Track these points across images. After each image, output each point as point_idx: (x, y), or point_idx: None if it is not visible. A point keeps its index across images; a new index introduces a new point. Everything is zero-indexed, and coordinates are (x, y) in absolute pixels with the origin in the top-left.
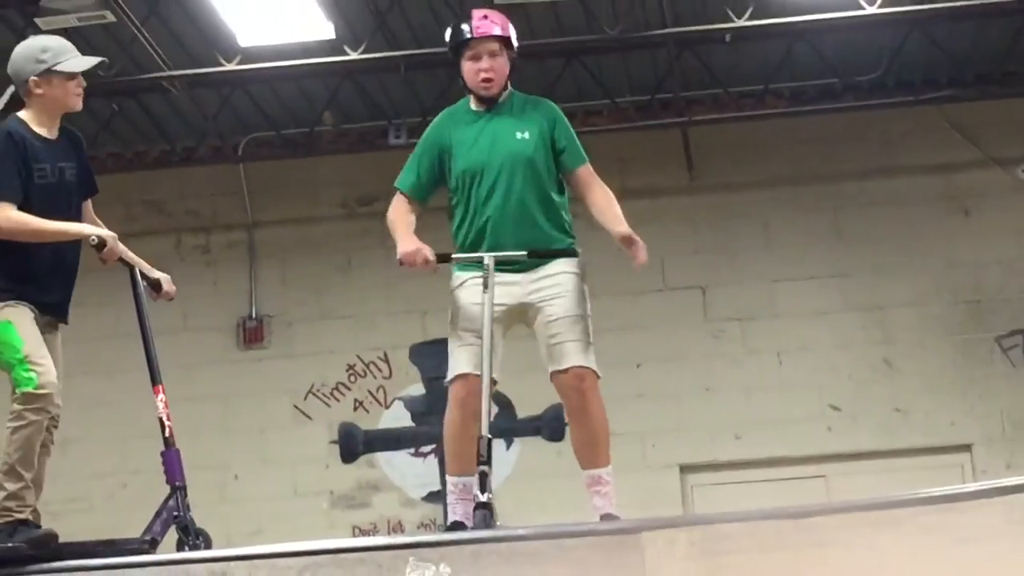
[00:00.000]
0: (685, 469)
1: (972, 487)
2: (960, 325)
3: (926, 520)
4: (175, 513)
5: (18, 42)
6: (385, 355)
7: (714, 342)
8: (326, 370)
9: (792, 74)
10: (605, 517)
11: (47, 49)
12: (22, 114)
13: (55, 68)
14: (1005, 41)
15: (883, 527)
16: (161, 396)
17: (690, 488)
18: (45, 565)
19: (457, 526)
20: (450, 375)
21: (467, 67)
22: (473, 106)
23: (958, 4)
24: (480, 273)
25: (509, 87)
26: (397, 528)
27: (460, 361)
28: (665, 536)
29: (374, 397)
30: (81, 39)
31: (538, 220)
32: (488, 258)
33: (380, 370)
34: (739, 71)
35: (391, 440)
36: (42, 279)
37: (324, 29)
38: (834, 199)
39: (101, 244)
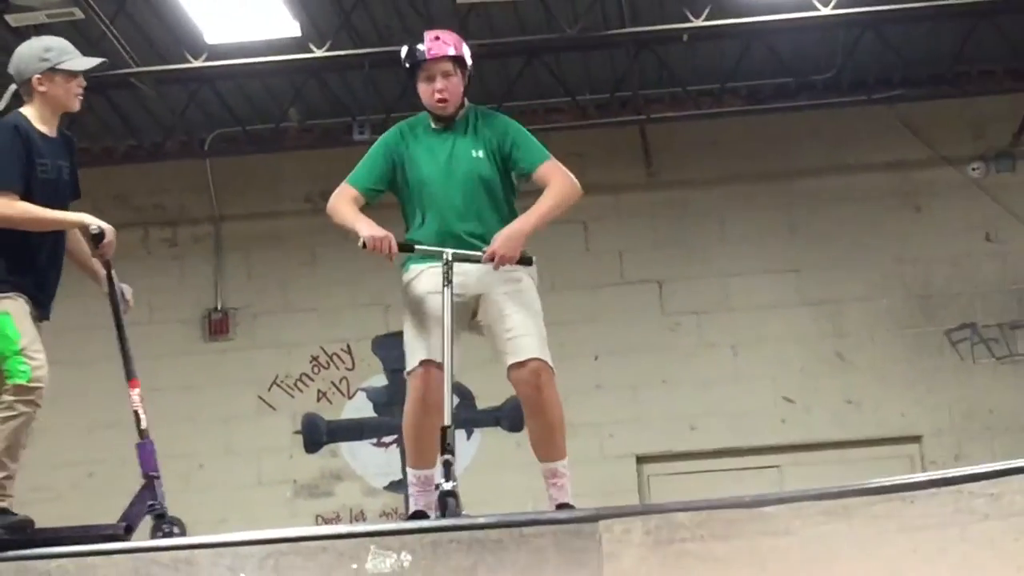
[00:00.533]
0: (642, 459)
1: (922, 477)
2: (910, 319)
3: (877, 509)
4: (150, 502)
5: None
6: (348, 347)
7: (671, 335)
8: (290, 361)
9: (748, 73)
10: (561, 507)
11: (50, 48)
12: (24, 111)
13: (58, 67)
14: (956, 42)
15: (835, 516)
16: (137, 391)
17: (647, 478)
18: (21, 552)
19: (419, 515)
20: (409, 366)
21: (422, 87)
22: (432, 124)
23: (911, 6)
24: (436, 263)
25: (466, 103)
26: (359, 517)
27: (417, 350)
28: (622, 524)
29: (337, 388)
30: (50, 36)
31: (491, 230)
32: (448, 253)
33: (343, 361)
34: (696, 70)
35: (354, 430)
36: (39, 273)
37: (290, 27)
38: (788, 196)
39: (102, 234)
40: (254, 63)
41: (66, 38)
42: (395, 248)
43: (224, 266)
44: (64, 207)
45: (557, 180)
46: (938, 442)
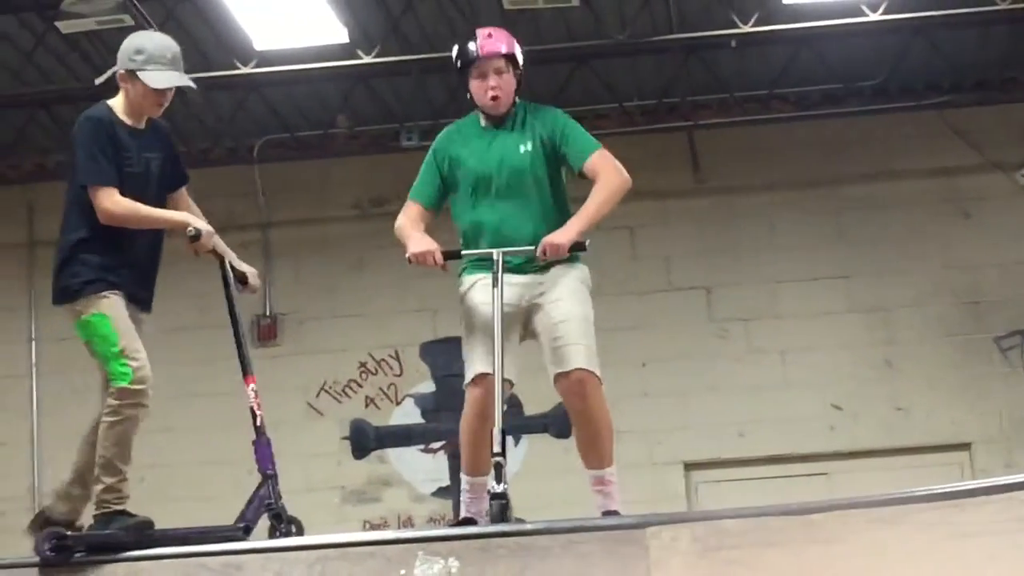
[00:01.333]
0: (690, 466)
1: (971, 484)
2: (960, 326)
3: (926, 517)
4: (267, 501)
5: (37, 46)
6: (396, 353)
7: (719, 342)
8: (338, 367)
9: (796, 79)
10: (608, 514)
11: (142, 51)
12: (112, 101)
13: (139, 73)
14: (1005, 47)
15: (884, 524)
16: (253, 386)
17: (694, 485)
18: (141, 552)
19: (467, 522)
20: (468, 377)
21: (474, 85)
22: (482, 122)
23: (959, 11)
24: (488, 274)
25: (516, 101)
26: (407, 523)
27: (475, 362)
28: (669, 532)
29: (385, 394)
30: (100, 43)
31: (541, 228)
32: (497, 253)
33: (391, 367)
34: (744, 76)
35: (401, 436)
36: (137, 268)
37: (338, 33)
38: (837, 202)
39: (197, 235)
40: (302, 69)
41: (116, 45)
42: (440, 258)
43: (272, 272)
44: (156, 200)
45: (605, 174)
46: (988, 450)
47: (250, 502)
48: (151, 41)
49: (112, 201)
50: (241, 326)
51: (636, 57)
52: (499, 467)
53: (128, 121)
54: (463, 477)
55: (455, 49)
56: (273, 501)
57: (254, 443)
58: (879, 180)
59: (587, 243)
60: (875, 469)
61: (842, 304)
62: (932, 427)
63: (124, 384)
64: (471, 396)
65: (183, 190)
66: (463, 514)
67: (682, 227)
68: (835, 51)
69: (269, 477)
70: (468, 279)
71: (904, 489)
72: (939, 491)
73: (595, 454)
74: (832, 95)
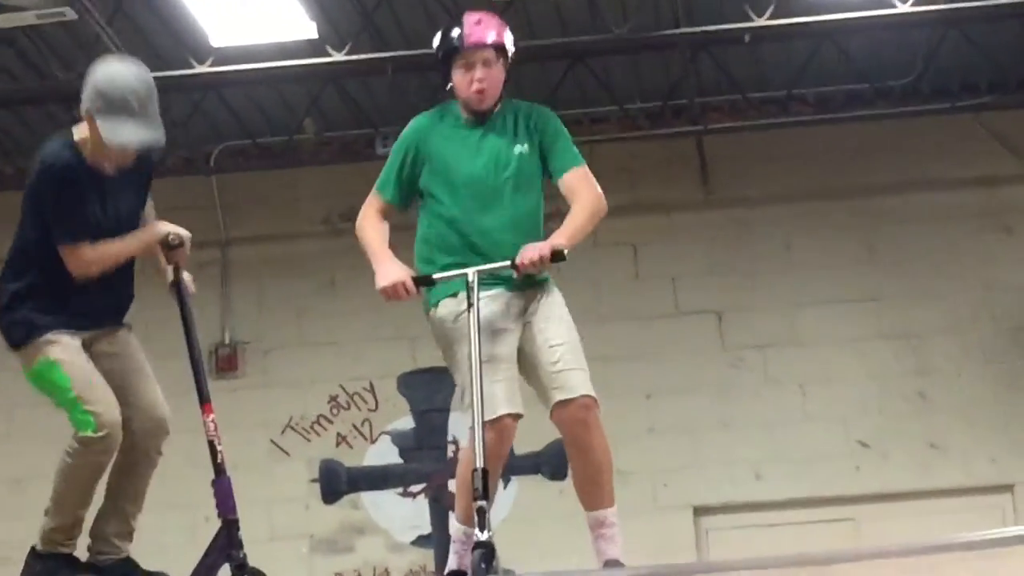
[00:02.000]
0: (699, 511)
1: (1014, 531)
2: (1002, 353)
3: (966, 567)
4: (228, 551)
5: None
6: (371, 385)
7: (731, 372)
8: (306, 401)
9: (818, 78)
10: (610, 563)
11: (100, 97)
12: (78, 135)
13: (96, 120)
14: None
15: (918, 575)
16: (211, 417)
17: (705, 532)
18: None
19: (456, 575)
20: (483, 416)
21: (458, 76)
22: (463, 117)
23: (999, 2)
24: (485, 290)
25: (502, 96)
26: (384, 575)
27: (496, 399)
28: None
29: (359, 431)
30: (40, 39)
31: (531, 237)
32: (472, 273)
33: (365, 401)
34: (760, 75)
35: (377, 478)
36: (84, 297)
37: (305, 28)
38: (863, 215)
39: (180, 243)
40: (265, 68)
41: (58, 41)
42: (412, 289)
43: (232, 295)
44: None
45: (586, 194)
46: None
47: (208, 552)
48: (112, 84)
49: (85, 260)
50: (198, 345)
51: (638, 54)
52: (482, 512)
53: (96, 161)
54: (456, 526)
55: (438, 35)
56: (234, 551)
57: (213, 483)
58: (910, 191)
59: (565, 252)
60: (906, 514)
61: (870, 330)
62: (970, 467)
63: (88, 433)
64: (494, 436)
65: (149, 198)
66: (452, 567)
67: (690, 244)
68: (860, 47)
69: (230, 523)
70: (450, 305)
71: (939, 537)
72: (978, 539)
73: (598, 492)
74: (857, 96)
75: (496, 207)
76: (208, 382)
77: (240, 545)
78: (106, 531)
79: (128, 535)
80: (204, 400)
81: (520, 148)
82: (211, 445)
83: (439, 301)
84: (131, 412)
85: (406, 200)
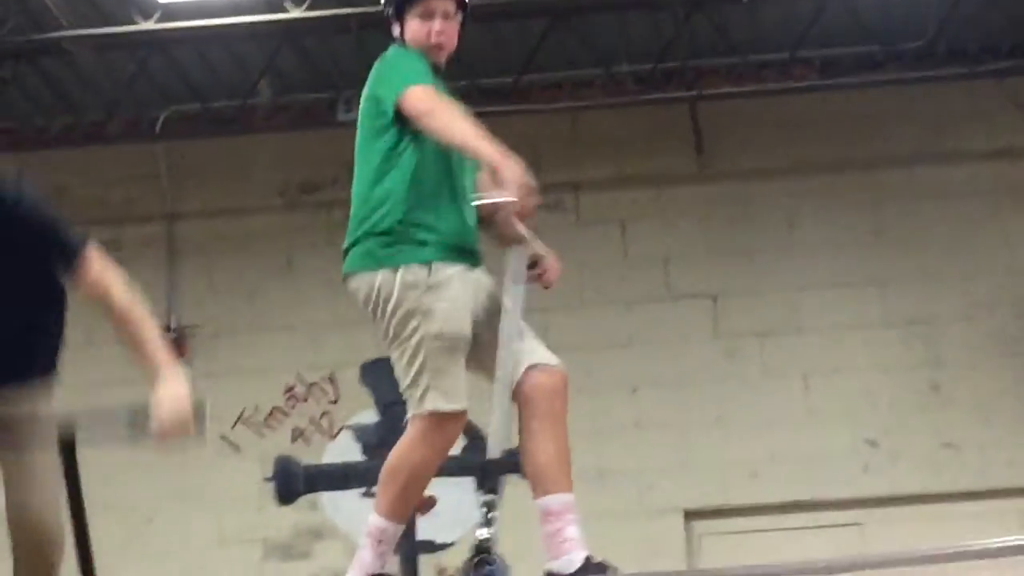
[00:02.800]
0: (691, 515)
1: None
2: (1021, 343)
3: None
4: None
5: None
6: (331, 375)
7: (727, 362)
8: (260, 392)
9: (822, 40)
10: (592, 566)
11: None
12: None
13: None
14: None
15: None
16: None
17: (697, 537)
18: None
19: None
20: (446, 405)
21: (415, 25)
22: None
23: None
24: (467, 264)
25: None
26: None
27: (460, 391)
28: None
29: (317, 426)
30: None
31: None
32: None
33: (325, 393)
34: (760, 36)
35: (337, 477)
36: None
37: None
38: (872, 191)
39: None
40: (217, 25)
41: None
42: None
43: (179, 274)
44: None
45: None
46: None
47: None
48: None
49: None
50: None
51: (627, 12)
52: (491, 506)
53: None
54: (381, 521)
55: None
56: None
57: None
58: (924, 164)
59: None
60: (917, 519)
61: (878, 317)
62: (987, 467)
63: None
64: (447, 432)
65: (83, 261)
66: (374, 570)
67: (683, 222)
68: (870, 5)
69: None
70: (443, 269)
71: (952, 544)
72: (994, 546)
73: (565, 471)
74: (866, 59)
75: (467, 176)
76: None
77: None
78: None
79: None
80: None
81: None
82: None
83: (434, 261)
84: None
85: None
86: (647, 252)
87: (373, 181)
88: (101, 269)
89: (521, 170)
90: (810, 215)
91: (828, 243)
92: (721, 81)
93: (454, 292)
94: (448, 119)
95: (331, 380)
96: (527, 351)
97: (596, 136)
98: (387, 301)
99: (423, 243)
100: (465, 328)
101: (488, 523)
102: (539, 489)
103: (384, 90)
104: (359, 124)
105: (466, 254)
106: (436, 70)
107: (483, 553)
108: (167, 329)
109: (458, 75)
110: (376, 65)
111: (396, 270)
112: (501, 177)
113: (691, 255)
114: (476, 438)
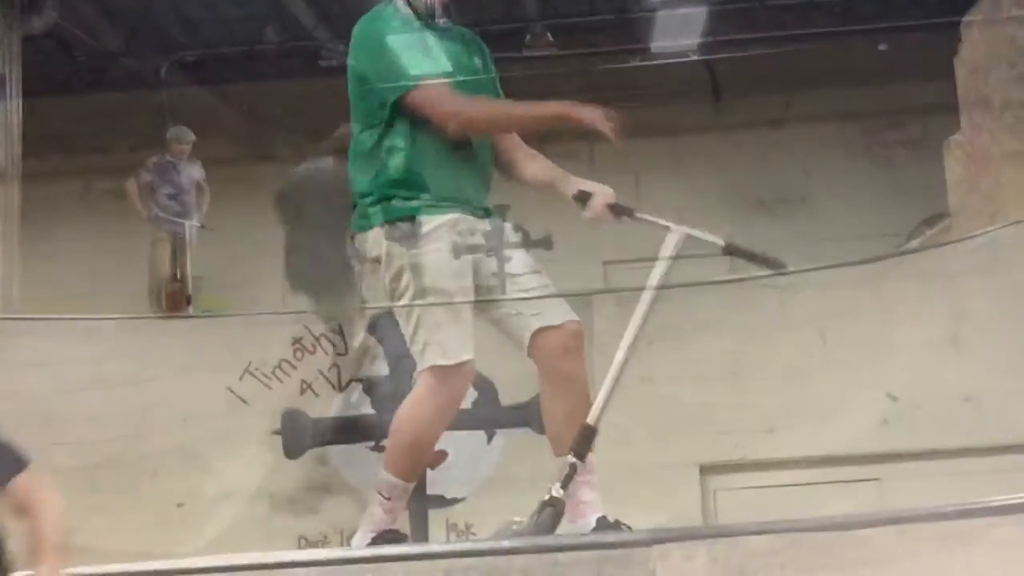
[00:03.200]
0: (706, 470)
1: None
2: None
3: (1002, 533)
4: None
5: None
6: (340, 326)
7: (744, 314)
8: (267, 344)
9: None
10: (605, 525)
11: None
12: None
13: None
14: None
15: (950, 541)
16: None
17: (712, 493)
18: None
19: (394, 535)
20: (445, 359)
21: None
22: (402, 9)
23: None
24: (459, 214)
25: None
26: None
27: (462, 341)
28: (681, 550)
29: (326, 378)
30: None
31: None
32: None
33: (334, 345)
34: None
35: (347, 431)
36: None
37: None
38: (893, 139)
39: None
40: None
41: None
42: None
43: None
44: None
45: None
46: None
47: None
48: None
49: None
50: None
51: None
52: (574, 469)
53: None
54: (390, 478)
55: None
56: None
57: None
58: (938, 112)
59: None
60: (939, 474)
61: (898, 267)
62: (1010, 422)
63: None
64: (453, 385)
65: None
66: (384, 526)
67: (698, 171)
68: None
69: None
70: (432, 219)
71: (975, 499)
72: (1017, 503)
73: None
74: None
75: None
76: (154, 321)
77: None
78: None
79: None
80: None
81: (479, 62)
82: None
83: (419, 214)
84: None
85: None
86: (662, 203)
87: (366, 141)
88: (32, 492)
89: (593, 107)
90: (827, 164)
91: (846, 193)
92: (737, 27)
93: (443, 243)
94: (482, 114)
95: (339, 331)
96: (532, 314)
97: (607, 84)
98: (379, 259)
99: (408, 198)
100: (460, 278)
101: (564, 483)
102: (557, 453)
103: (377, 79)
104: (349, 87)
105: (461, 203)
106: (445, 11)
107: (549, 506)
108: (173, 279)
109: (467, 22)
110: (362, 27)
111: (383, 227)
112: (581, 122)
113: (706, 206)
114: (486, 391)
